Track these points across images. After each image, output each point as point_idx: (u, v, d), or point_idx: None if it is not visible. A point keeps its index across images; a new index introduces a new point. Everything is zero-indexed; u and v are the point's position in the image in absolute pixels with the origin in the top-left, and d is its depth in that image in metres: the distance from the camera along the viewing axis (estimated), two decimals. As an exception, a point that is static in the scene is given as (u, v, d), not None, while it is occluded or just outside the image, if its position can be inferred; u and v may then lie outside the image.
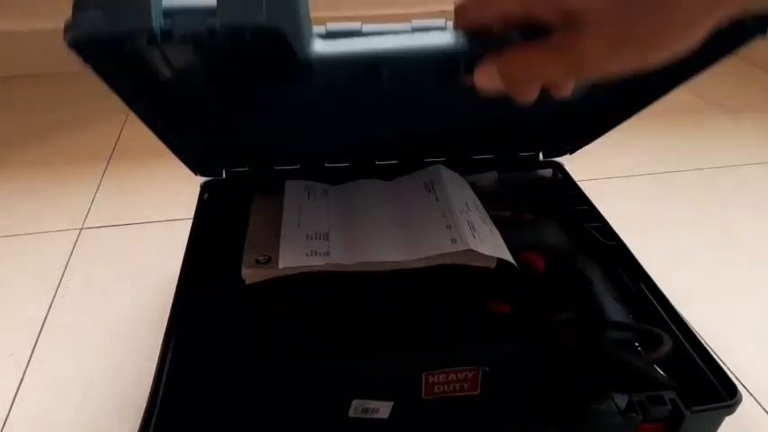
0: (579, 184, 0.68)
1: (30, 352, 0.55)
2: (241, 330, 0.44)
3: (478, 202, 0.56)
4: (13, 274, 0.65)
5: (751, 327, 0.59)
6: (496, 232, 0.51)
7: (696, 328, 0.48)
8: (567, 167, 0.71)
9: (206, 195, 0.62)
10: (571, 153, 0.67)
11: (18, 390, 0.52)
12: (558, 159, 0.70)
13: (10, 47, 1.12)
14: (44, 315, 0.59)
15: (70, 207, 0.76)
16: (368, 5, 1.19)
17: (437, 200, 0.54)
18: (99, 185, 0.81)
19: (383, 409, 0.41)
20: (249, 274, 0.45)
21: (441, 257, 0.46)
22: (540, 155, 0.68)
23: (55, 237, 0.71)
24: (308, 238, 0.49)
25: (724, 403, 0.40)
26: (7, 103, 1.04)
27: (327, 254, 0.47)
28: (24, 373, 0.53)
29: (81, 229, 0.72)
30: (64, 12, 1.08)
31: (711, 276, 0.66)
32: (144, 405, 0.50)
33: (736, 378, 0.52)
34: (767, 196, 0.80)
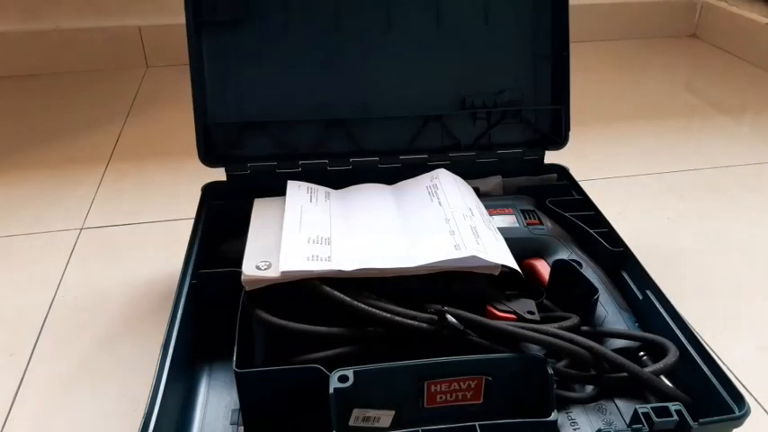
0: (579, 183, 0.68)
1: (30, 352, 0.55)
2: (241, 336, 0.44)
3: (482, 207, 0.55)
4: (13, 274, 0.65)
5: (751, 327, 0.59)
6: (500, 238, 0.51)
7: (695, 328, 0.48)
8: (567, 166, 0.71)
9: (207, 197, 0.62)
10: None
11: (18, 390, 0.52)
12: (562, 164, 0.70)
13: (10, 47, 1.12)
14: (44, 315, 0.59)
15: (70, 207, 0.76)
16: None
17: (440, 204, 0.53)
18: (99, 186, 0.81)
19: (384, 419, 0.40)
20: (249, 281, 0.44)
21: (444, 264, 0.46)
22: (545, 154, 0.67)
23: (55, 237, 0.71)
24: (309, 241, 0.48)
25: (732, 415, 0.39)
26: (7, 103, 1.04)
27: (329, 259, 0.46)
28: (24, 373, 0.53)
29: (81, 229, 0.72)
30: (64, 12, 1.10)
31: (711, 276, 0.66)
32: (143, 404, 0.50)
33: (737, 380, 0.52)
34: (767, 196, 0.80)
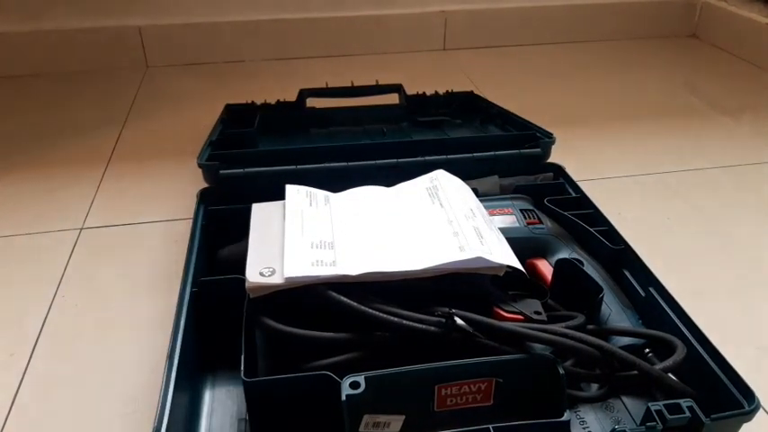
0: (579, 184, 0.68)
1: (30, 352, 0.55)
2: (247, 344, 0.44)
3: (482, 208, 0.55)
4: (13, 274, 0.65)
5: (751, 327, 0.59)
6: (503, 239, 0.51)
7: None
8: (567, 167, 0.71)
9: (203, 202, 0.62)
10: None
11: (18, 390, 0.52)
12: (559, 162, 0.70)
13: (10, 47, 1.12)
14: (44, 315, 0.59)
15: (70, 207, 0.76)
16: (368, 5, 1.19)
17: (441, 206, 0.53)
18: (99, 186, 0.80)
19: (394, 424, 0.40)
20: (253, 288, 0.44)
21: (450, 266, 0.45)
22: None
23: (55, 237, 0.70)
24: (312, 246, 0.47)
25: (743, 410, 0.40)
26: (7, 103, 1.04)
27: (333, 264, 0.45)
28: (24, 373, 0.53)
29: (81, 229, 0.72)
30: (64, 12, 1.11)
31: (710, 276, 0.66)
32: (143, 405, 0.50)
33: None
34: (767, 196, 0.80)
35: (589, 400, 0.46)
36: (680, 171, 0.86)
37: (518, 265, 0.47)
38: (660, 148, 0.92)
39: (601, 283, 0.50)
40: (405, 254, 0.47)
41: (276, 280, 0.44)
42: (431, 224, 0.51)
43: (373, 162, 0.65)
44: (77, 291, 0.62)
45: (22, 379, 0.53)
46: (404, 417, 0.40)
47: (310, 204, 0.54)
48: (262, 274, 0.45)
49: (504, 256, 0.47)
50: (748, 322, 0.60)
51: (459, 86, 0.89)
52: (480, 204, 0.55)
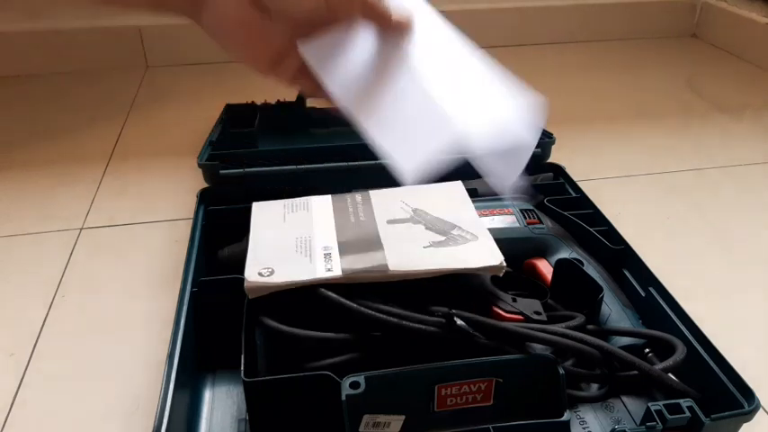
0: (579, 184, 0.68)
1: (30, 352, 0.55)
2: (247, 344, 0.43)
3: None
4: (13, 274, 0.65)
5: (750, 328, 0.59)
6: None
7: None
8: (567, 167, 0.71)
9: (203, 202, 0.62)
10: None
11: (18, 390, 0.52)
12: (559, 162, 0.70)
13: (10, 47, 1.12)
14: (44, 315, 0.59)
15: (70, 207, 0.76)
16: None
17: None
18: (99, 185, 0.81)
19: (394, 424, 0.40)
20: (252, 288, 0.44)
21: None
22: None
23: (55, 237, 0.70)
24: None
25: (743, 410, 0.40)
26: (7, 103, 1.04)
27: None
28: (24, 373, 0.53)
29: (81, 229, 0.72)
30: (64, 12, 1.09)
31: (710, 276, 0.66)
32: (143, 405, 0.50)
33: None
34: (767, 196, 0.80)
35: (589, 400, 0.46)
36: (680, 171, 0.86)
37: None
38: (660, 148, 0.92)
39: (601, 283, 0.50)
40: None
41: (275, 280, 0.44)
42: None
43: (373, 162, 0.65)
44: (77, 291, 0.62)
45: (22, 379, 0.53)
46: (404, 417, 0.40)
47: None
48: (261, 274, 0.45)
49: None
50: (748, 322, 0.60)
51: (459, 86, 0.89)
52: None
